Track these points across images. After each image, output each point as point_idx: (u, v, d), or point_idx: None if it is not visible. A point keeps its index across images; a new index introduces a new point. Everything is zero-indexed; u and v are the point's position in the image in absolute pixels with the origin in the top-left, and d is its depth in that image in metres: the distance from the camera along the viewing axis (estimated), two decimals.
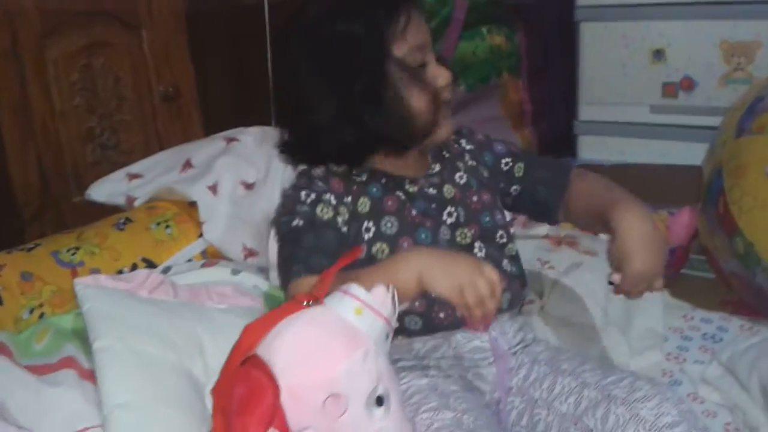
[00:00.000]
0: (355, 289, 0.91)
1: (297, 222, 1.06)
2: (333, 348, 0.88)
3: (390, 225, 1.09)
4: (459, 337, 1.08)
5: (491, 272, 0.93)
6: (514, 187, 1.22)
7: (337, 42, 1.05)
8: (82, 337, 1.06)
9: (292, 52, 1.09)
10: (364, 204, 1.10)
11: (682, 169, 1.90)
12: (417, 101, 1.06)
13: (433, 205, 1.12)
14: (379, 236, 1.08)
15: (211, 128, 1.81)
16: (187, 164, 1.56)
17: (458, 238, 1.12)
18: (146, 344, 1.00)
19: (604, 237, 1.72)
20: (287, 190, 1.12)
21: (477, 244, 1.13)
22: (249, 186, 1.52)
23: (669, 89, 2.00)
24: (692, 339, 1.37)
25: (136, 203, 1.52)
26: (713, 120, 1.74)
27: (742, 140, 1.52)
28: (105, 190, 1.58)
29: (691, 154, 1.90)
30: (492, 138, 1.25)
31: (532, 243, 1.49)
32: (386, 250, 1.08)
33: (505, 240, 1.16)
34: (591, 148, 2.16)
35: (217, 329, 1.07)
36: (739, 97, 1.65)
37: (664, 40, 1.98)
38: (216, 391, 0.94)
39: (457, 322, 1.07)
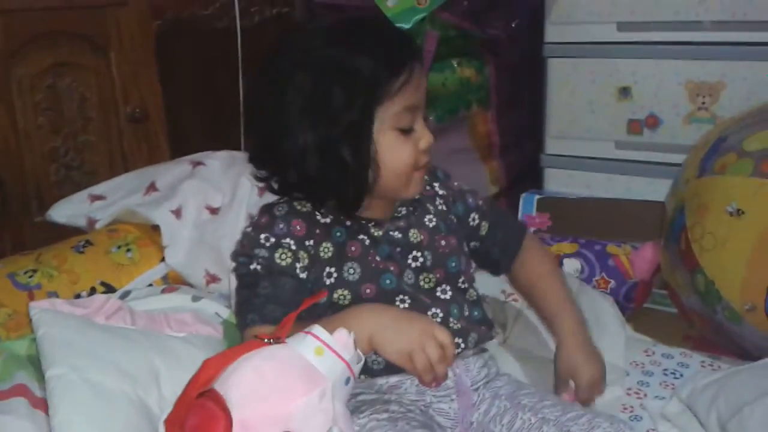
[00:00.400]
0: (318, 329, 0.91)
1: (255, 266, 1.05)
2: (290, 385, 0.87)
3: (353, 271, 1.07)
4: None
5: (443, 334, 0.94)
6: (474, 243, 1.23)
7: (331, 76, 1.01)
8: (36, 364, 1.03)
9: (283, 71, 1.04)
10: (326, 250, 1.07)
11: (645, 204, 1.91)
12: (393, 162, 1.04)
13: (398, 249, 1.11)
14: (341, 283, 1.06)
15: (178, 151, 1.80)
16: (152, 187, 1.55)
17: (422, 282, 1.11)
18: (101, 374, 0.98)
19: (567, 270, 1.74)
20: (248, 228, 1.10)
21: (441, 288, 1.12)
22: (214, 211, 1.51)
23: (634, 126, 2.03)
24: (653, 374, 1.37)
25: (98, 225, 1.50)
26: (677, 157, 1.77)
27: (704, 179, 1.54)
28: (66, 211, 1.56)
29: (655, 190, 1.92)
30: (465, 188, 1.25)
31: None
32: (348, 297, 1.06)
33: (465, 285, 1.16)
34: (557, 181, 2.17)
35: (174, 359, 1.05)
36: (703, 137, 1.67)
37: (631, 78, 2.00)
38: (168, 422, 0.92)
39: None
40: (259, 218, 1.09)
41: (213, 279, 1.43)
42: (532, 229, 2.03)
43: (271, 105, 1.04)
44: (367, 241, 1.09)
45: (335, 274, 1.07)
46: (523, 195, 2.10)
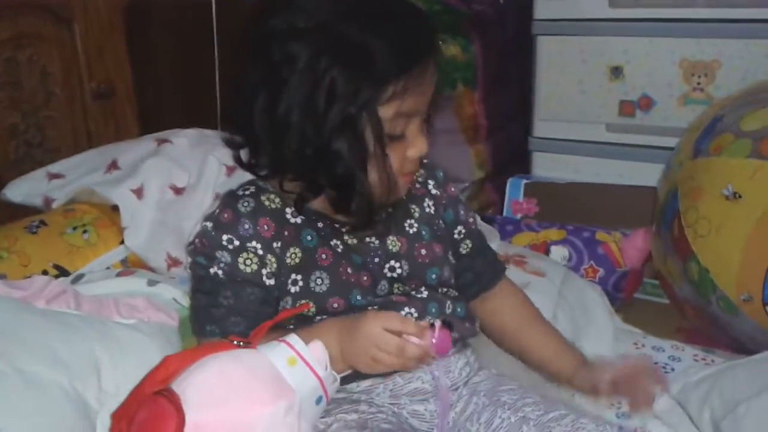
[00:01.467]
0: (293, 338, 0.84)
1: (215, 270, 0.94)
2: (254, 391, 0.80)
3: (320, 282, 0.96)
4: (397, 377, 0.98)
5: (388, 320, 0.86)
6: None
7: (335, 53, 0.87)
8: None
9: (277, 35, 0.89)
10: (294, 255, 0.96)
11: (637, 189, 1.85)
12: (375, 168, 0.92)
13: (376, 260, 1.00)
14: (307, 293, 0.96)
15: (148, 129, 1.72)
16: (113, 165, 1.47)
17: (395, 290, 1.01)
18: (34, 363, 0.90)
19: (554, 257, 1.67)
20: (207, 223, 0.96)
21: (416, 291, 1.02)
22: (178, 191, 1.44)
23: (626, 108, 1.96)
24: None
25: (54, 205, 1.43)
26: (671, 140, 1.70)
27: (698, 161, 1.47)
28: (22, 190, 1.48)
29: (647, 174, 1.85)
30: (460, 198, 1.14)
31: None
32: (313, 309, 0.96)
33: (446, 290, 1.05)
34: (545, 166, 2.10)
35: (119, 348, 0.98)
36: (698, 116, 1.60)
37: (623, 57, 1.93)
38: (116, 415, 0.85)
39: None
40: (221, 212, 0.95)
41: (175, 263, 1.35)
42: (518, 216, 1.96)
43: (259, 76, 0.91)
44: (340, 248, 0.98)
45: (301, 283, 0.96)
46: (510, 179, 2.04)
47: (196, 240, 0.96)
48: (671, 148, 1.64)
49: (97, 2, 1.75)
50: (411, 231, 1.04)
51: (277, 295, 0.96)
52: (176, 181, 1.44)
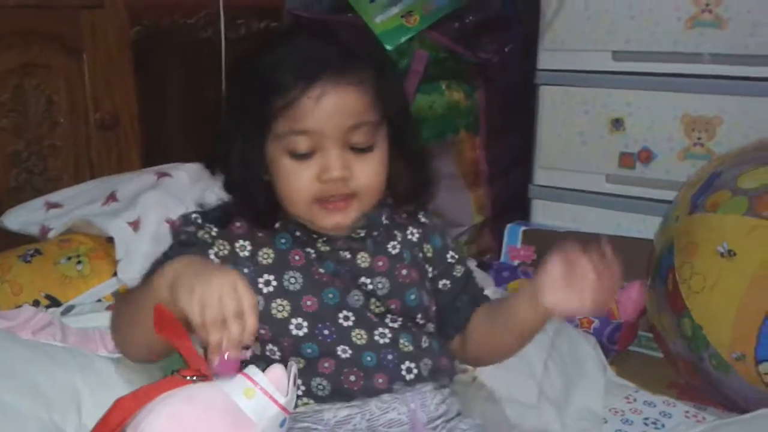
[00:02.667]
0: (250, 369, 0.82)
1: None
2: (211, 431, 0.78)
3: (294, 281, 0.99)
4: (373, 407, 0.98)
5: (246, 293, 0.82)
6: (444, 282, 1.11)
7: (240, 76, 0.99)
8: None
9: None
10: (266, 255, 1.00)
11: (635, 241, 1.83)
12: (283, 189, 0.97)
13: (346, 269, 1.02)
14: (280, 292, 0.98)
15: (151, 161, 1.74)
16: (112, 197, 1.48)
17: (372, 306, 1.01)
18: (14, 394, 0.90)
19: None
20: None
21: (390, 317, 1.02)
22: None
23: (626, 159, 1.96)
24: (633, 423, 1.31)
25: (51, 234, 1.44)
26: (670, 194, 1.68)
27: (695, 216, 1.46)
28: (20, 218, 1.50)
29: (647, 227, 1.84)
30: (449, 231, 1.15)
31: None
32: (287, 307, 0.97)
33: (423, 321, 1.05)
34: (545, 213, 2.09)
35: (101, 382, 0.97)
36: (696, 171, 1.60)
37: (625, 109, 1.94)
38: None
39: (369, 389, 0.97)
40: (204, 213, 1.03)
41: None
42: (515, 262, 1.95)
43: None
44: (313, 255, 1.01)
45: (274, 283, 0.98)
46: (509, 225, 2.03)
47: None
48: (670, 201, 1.63)
49: (106, 34, 1.78)
50: (393, 252, 1.05)
51: None
52: (173, 215, 1.44)
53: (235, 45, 2.15)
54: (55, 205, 1.49)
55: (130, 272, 1.35)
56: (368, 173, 0.97)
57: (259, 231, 1.00)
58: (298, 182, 0.95)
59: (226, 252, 0.99)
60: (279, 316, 0.97)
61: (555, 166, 2.06)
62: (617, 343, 1.65)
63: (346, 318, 1.00)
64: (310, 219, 0.98)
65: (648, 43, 1.88)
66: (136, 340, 0.95)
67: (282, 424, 0.83)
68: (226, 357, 0.81)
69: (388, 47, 1.93)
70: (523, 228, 1.99)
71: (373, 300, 1.02)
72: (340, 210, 0.97)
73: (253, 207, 0.99)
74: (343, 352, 0.98)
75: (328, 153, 0.94)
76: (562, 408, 1.30)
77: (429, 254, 1.10)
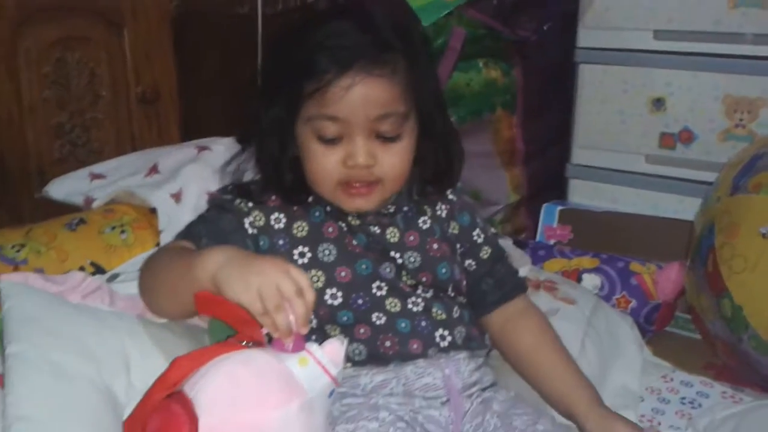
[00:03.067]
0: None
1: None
2: (266, 393, 0.80)
3: (328, 252, 1.03)
4: (409, 372, 1.00)
5: (300, 275, 0.85)
6: (470, 262, 1.14)
7: (275, 59, 1.03)
8: (1, 339, 0.97)
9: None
10: (301, 228, 1.04)
11: (673, 222, 1.83)
12: (311, 171, 1.01)
13: (376, 243, 1.05)
14: (315, 263, 1.02)
15: (190, 135, 1.74)
16: (154, 169, 1.49)
17: (403, 278, 1.05)
18: (64, 354, 0.91)
19: (586, 285, 1.66)
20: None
21: (422, 288, 1.05)
22: None
23: (667, 140, 1.94)
24: (670, 402, 1.30)
25: (95, 204, 1.45)
26: (710, 175, 1.67)
27: (737, 198, 1.45)
28: (64, 188, 1.51)
29: (685, 208, 1.83)
30: (476, 208, 1.18)
31: None
32: (322, 278, 1.01)
33: (454, 294, 1.08)
34: (582, 193, 2.08)
35: (149, 347, 0.99)
36: (737, 153, 1.58)
37: (666, 89, 1.91)
38: (128, 423, 0.86)
39: (404, 354, 0.99)
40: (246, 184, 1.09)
41: None
42: (551, 242, 1.95)
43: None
44: (345, 228, 1.04)
45: (309, 254, 1.02)
46: (545, 205, 2.02)
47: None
48: (710, 183, 1.62)
49: (147, 8, 1.79)
50: (424, 227, 1.09)
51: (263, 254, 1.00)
52: (213, 188, 1.46)
53: (272, 21, 2.16)
54: (99, 176, 1.50)
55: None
56: (393, 162, 1.00)
57: (293, 204, 1.04)
58: (324, 165, 0.99)
59: (261, 222, 1.03)
60: (314, 286, 0.97)
61: (593, 145, 2.04)
62: (654, 323, 1.65)
63: (380, 288, 1.02)
64: (333, 200, 1.03)
65: (690, 22, 1.86)
66: (168, 307, 0.99)
67: (330, 395, 0.85)
68: (295, 335, 0.83)
69: (425, 23, 1.92)
70: (559, 207, 1.98)
71: (403, 273, 1.04)
72: (363, 195, 1.01)
73: (282, 183, 1.03)
74: (378, 318, 1.01)
75: (354, 140, 0.98)
76: (599, 385, 1.28)
77: (455, 231, 1.12)
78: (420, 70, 1.01)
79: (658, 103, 1.93)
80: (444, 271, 1.07)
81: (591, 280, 1.68)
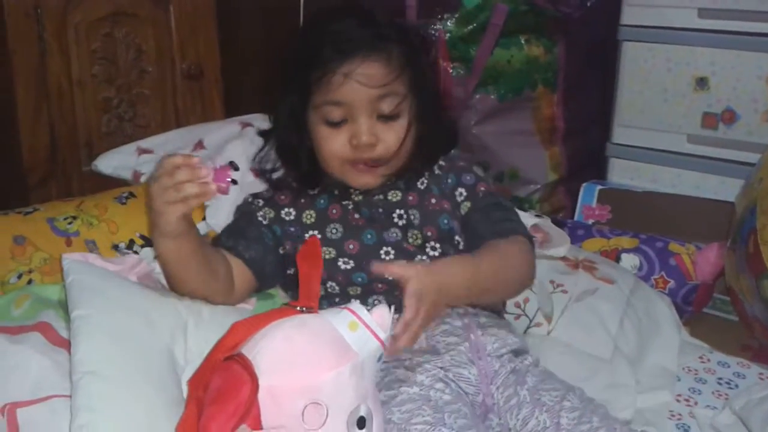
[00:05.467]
0: (355, 305, 0.92)
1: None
2: (320, 356, 0.86)
3: (335, 231, 1.16)
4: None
5: (155, 171, 0.95)
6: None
7: (293, 50, 1.16)
8: (66, 307, 1.02)
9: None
10: (309, 216, 1.18)
11: (714, 203, 1.82)
12: (322, 153, 1.14)
13: (380, 210, 1.17)
14: (325, 242, 1.14)
15: (233, 111, 1.77)
16: (199, 145, 1.52)
17: (410, 239, 1.15)
18: (127, 318, 0.97)
19: (625, 265, 1.66)
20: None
21: (430, 244, 1.15)
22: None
23: (709, 120, 1.92)
24: (706, 382, 1.30)
25: (143, 179, 1.48)
26: (752, 156, 1.67)
27: None
28: (113, 162, 1.54)
29: (726, 189, 1.82)
30: (468, 167, 1.24)
31: (546, 264, 1.41)
32: (333, 253, 1.14)
33: (462, 246, 1.15)
34: (622, 173, 2.07)
35: (205, 315, 1.05)
36: None
37: (709, 68, 1.89)
38: (192, 382, 0.91)
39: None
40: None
41: None
42: (590, 221, 1.95)
43: None
44: (350, 206, 1.17)
45: (319, 236, 1.15)
46: (585, 184, 2.01)
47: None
48: (752, 164, 1.61)
49: None
50: (422, 187, 1.19)
51: (279, 239, 1.16)
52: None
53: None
54: (146, 151, 1.53)
55: (218, 217, 1.39)
56: (394, 139, 1.12)
57: (301, 198, 1.18)
58: (332, 146, 1.12)
59: (272, 215, 1.18)
60: (327, 257, 1.14)
61: (635, 124, 2.03)
62: (692, 304, 1.65)
63: (387, 253, 1.14)
64: (343, 178, 1.15)
65: (734, 0, 1.83)
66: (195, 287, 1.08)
67: (379, 359, 0.91)
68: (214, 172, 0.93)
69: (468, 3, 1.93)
70: (599, 187, 1.98)
71: (410, 232, 1.14)
72: (369, 172, 1.14)
73: (299, 168, 1.18)
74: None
75: (358, 121, 1.10)
76: (636, 364, 1.30)
77: (448, 190, 1.20)
78: (416, 61, 1.14)
79: (701, 82, 1.91)
80: (446, 222, 1.16)
81: (630, 260, 1.68)
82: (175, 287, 1.07)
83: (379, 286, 1.11)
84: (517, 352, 1.09)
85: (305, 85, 1.10)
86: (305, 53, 1.12)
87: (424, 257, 1.14)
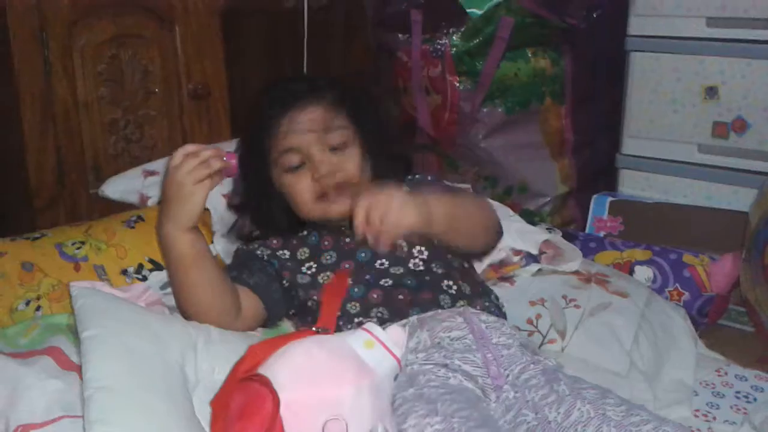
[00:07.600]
0: (370, 325, 0.94)
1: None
2: (339, 371, 0.88)
3: (329, 257, 1.22)
4: (428, 318, 1.11)
5: (177, 157, 1.04)
6: None
7: (251, 125, 1.27)
8: (76, 332, 1.02)
9: None
10: (303, 253, 1.24)
11: (727, 213, 1.80)
12: (293, 202, 1.23)
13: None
14: (322, 268, 1.21)
15: (239, 130, 1.76)
16: None
17: (397, 249, 1.20)
18: (136, 338, 0.98)
19: (638, 278, 1.64)
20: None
21: (416, 249, 1.21)
22: None
23: (720, 129, 1.90)
24: (724, 396, 1.28)
25: (150, 202, 1.48)
26: (764, 165, 1.65)
27: None
28: (119, 186, 1.55)
29: (739, 198, 1.81)
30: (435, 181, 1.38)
31: (558, 279, 1.40)
32: (330, 275, 1.19)
33: (457, 264, 1.23)
34: (633, 184, 2.05)
35: (212, 341, 1.05)
36: None
37: (719, 77, 1.88)
38: (215, 403, 0.93)
39: (419, 302, 1.14)
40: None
41: None
42: (601, 233, 1.93)
43: None
44: (339, 235, 1.23)
45: (315, 266, 1.21)
46: (595, 196, 2.00)
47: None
48: (764, 173, 1.60)
49: (197, 5, 1.81)
50: None
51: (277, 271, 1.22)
52: None
53: (318, 14, 2.17)
54: (152, 173, 1.53)
55: (224, 243, 1.39)
56: (351, 164, 1.21)
57: (292, 240, 1.24)
58: (299, 188, 1.21)
59: (269, 252, 1.24)
60: (324, 281, 1.19)
61: (644, 135, 2.02)
62: (708, 315, 1.63)
63: (382, 264, 1.20)
64: (321, 215, 1.22)
65: (743, 9, 1.82)
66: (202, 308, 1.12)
67: (395, 378, 0.93)
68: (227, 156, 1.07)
69: (476, 11, 1.93)
70: (610, 199, 1.96)
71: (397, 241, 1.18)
72: (339, 199, 1.20)
73: (279, 228, 1.26)
74: (385, 282, 1.17)
75: (313, 159, 1.19)
76: (653, 379, 1.29)
77: None
78: (353, 100, 1.25)
79: (711, 91, 1.89)
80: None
81: (643, 273, 1.66)
82: (187, 299, 1.11)
83: (375, 296, 1.15)
84: (525, 347, 1.11)
85: (262, 147, 1.22)
86: (257, 122, 1.25)
87: (417, 260, 1.20)
